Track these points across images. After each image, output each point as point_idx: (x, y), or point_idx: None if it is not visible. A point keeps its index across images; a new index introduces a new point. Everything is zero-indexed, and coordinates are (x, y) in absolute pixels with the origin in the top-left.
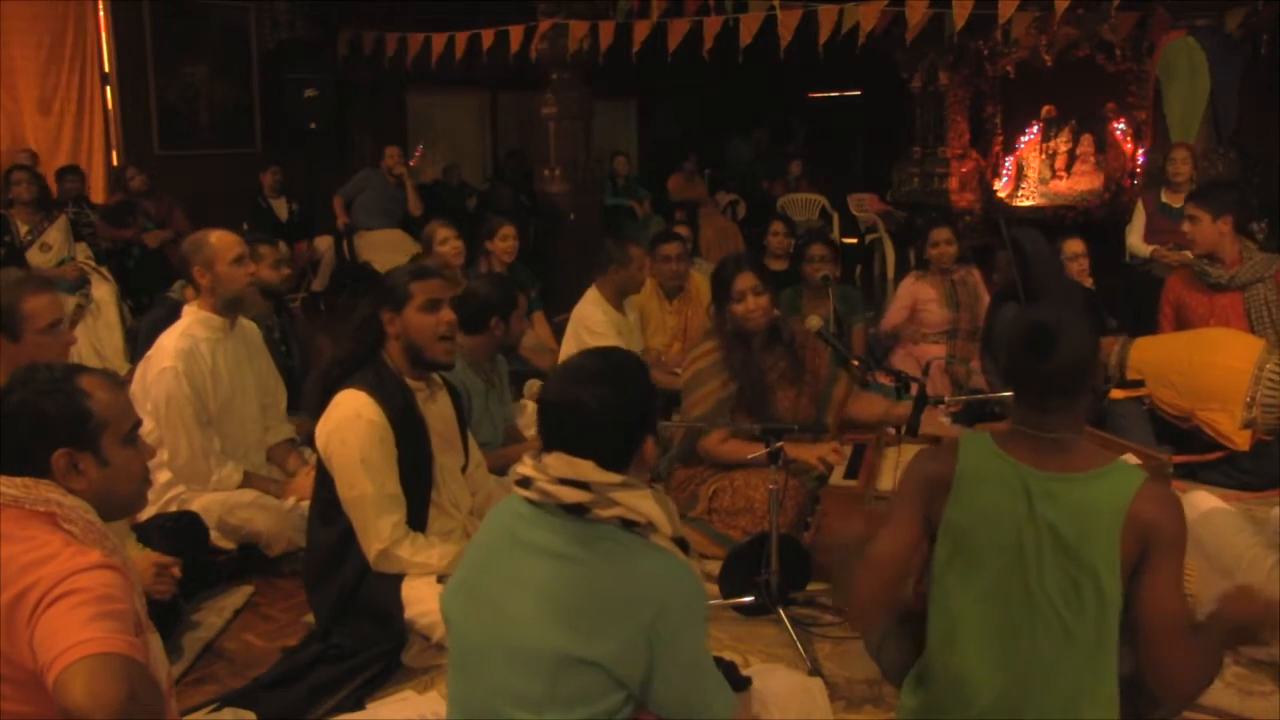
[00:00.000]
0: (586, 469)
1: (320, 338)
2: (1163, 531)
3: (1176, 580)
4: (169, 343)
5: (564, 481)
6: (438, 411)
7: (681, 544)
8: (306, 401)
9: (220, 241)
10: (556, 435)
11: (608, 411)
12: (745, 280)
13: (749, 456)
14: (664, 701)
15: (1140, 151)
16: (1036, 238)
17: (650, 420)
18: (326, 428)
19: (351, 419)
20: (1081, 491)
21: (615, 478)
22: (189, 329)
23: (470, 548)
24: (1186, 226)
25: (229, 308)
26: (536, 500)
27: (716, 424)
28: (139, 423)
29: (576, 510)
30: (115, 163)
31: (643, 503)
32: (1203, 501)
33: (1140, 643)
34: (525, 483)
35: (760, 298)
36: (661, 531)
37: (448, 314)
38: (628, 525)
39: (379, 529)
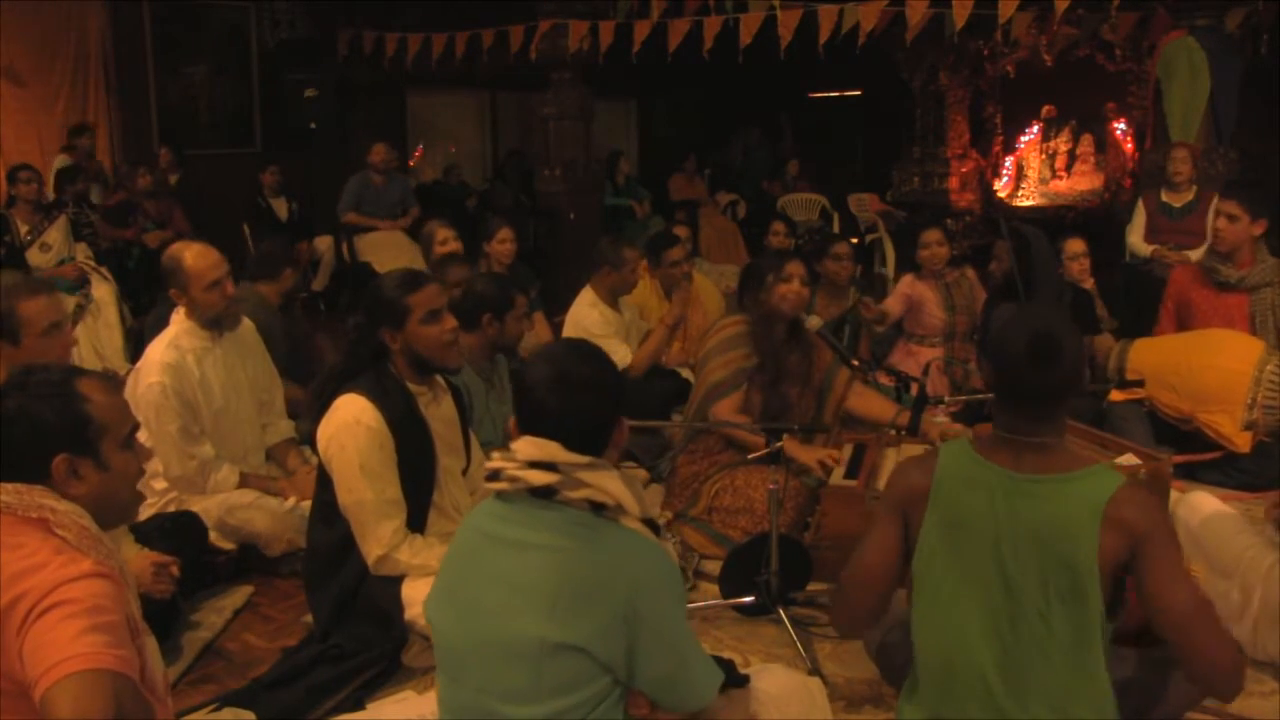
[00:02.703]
0: (554, 449)
1: (321, 337)
2: (1146, 529)
3: (1177, 569)
4: (155, 355)
5: (533, 465)
6: (440, 414)
7: (652, 525)
8: (305, 410)
9: (194, 267)
10: (537, 410)
11: (591, 388)
12: (797, 266)
13: (750, 457)
14: (648, 679)
15: (1137, 152)
16: (1040, 235)
17: (623, 401)
18: (326, 432)
19: (350, 425)
20: (1058, 492)
21: (582, 459)
22: (176, 339)
23: (448, 553)
24: (1222, 223)
25: (211, 325)
26: (507, 491)
27: (717, 425)
28: (137, 426)
29: (545, 493)
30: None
31: (610, 482)
32: (1204, 504)
33: (1172, 640)
34: (495, 475)
35: (805, 288)
36: (631, 513)
37: (450, 321)
38: (597, 509)
39: (379, 534)
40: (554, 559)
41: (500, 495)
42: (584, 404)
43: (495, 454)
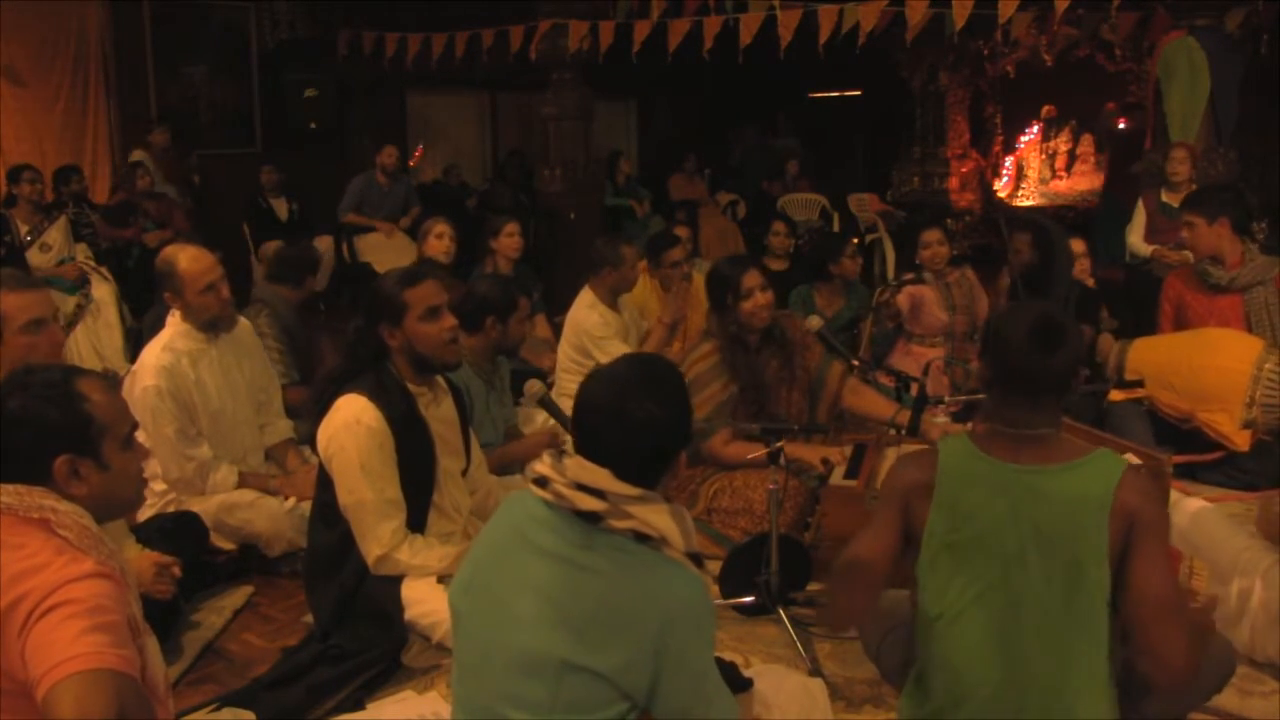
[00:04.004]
0: (604, 478)
1: (321, 337)
2: (1146, 516)
3: (1164, 560)
4: (150, 359)
5: (580, 487)
6: (441, 415)
7: (695, 559)
8: (306, 411)
9: (188, 272)
10: (592, 438)
11: (652, 427)
12: (753, 278)
13: (749, 457)
14: (666, 710)
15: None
16: (1059, 230)
17: (687, 437)
18: (327, 432)
19: (351, 425)
20: (1063, 482)
21: (633, 490)
22: (171, 342)
23: (479, 543)
24: (1185, 233)
25: (207, 328)
26: (551, 501)
27: (718, 425)
28: (136, 425)
29: (590, 518)
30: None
31: (657, 518)
32: (1190, 505)
33: (1133, 627)
34: (542, 482)
35: (767, 293)
36: (675, 547)
37: (449, 319)
38: (640, 538)
39: (379, 534)
40: (590, 581)
41: (545, 501)
42: (643, 444)
43: (546, 457)
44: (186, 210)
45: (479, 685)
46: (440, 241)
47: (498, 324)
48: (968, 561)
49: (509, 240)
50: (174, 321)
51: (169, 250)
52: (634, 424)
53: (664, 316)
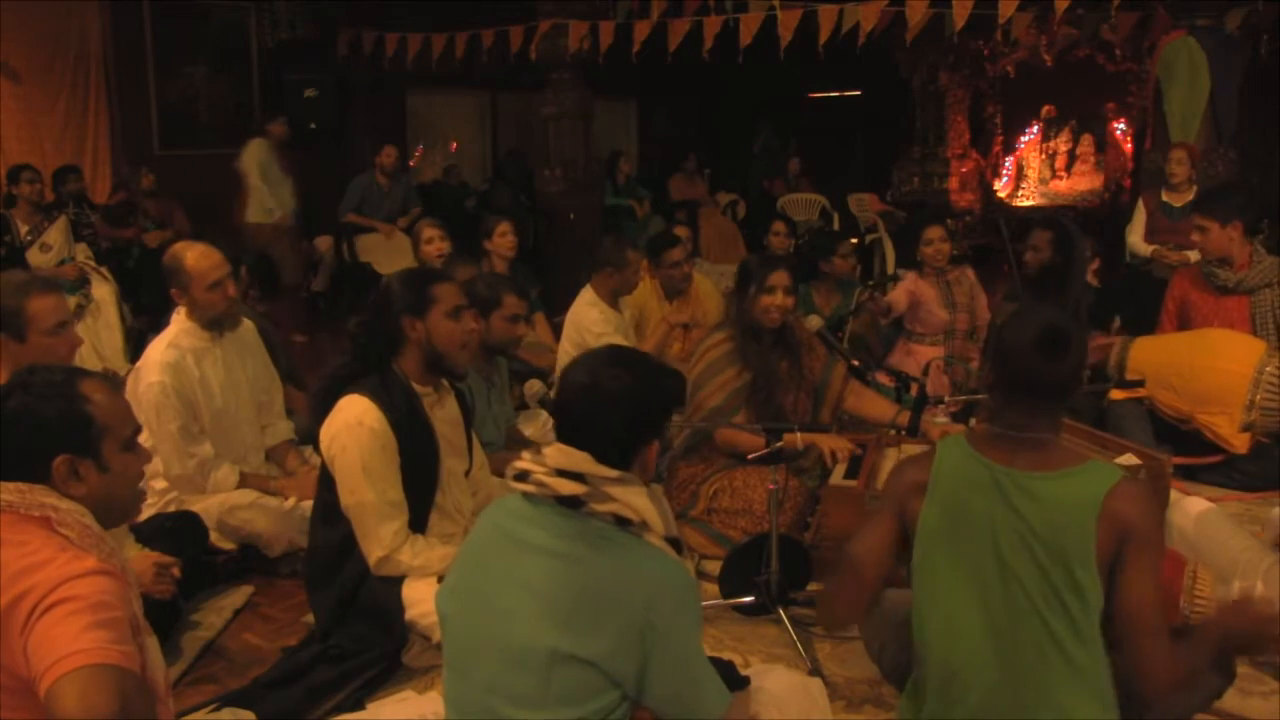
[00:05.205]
0: (584, 460)
1: (322, 338)
2: (1138, 528)
3: (1152, 577)
4: (155, 355)
5: (561, 473)
6: (445, 415)
7: (675, 544)
8: (308, 409)
9: (196, 267)
10: (570, 418)
11: (625, 396)
12: (781, 277)
13: (751, 457)
14: (657, 698)
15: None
16: (1077, 230)
17: (661, 421)
18: (329, 433)
19: (353, 426)
20: (1056, 488)
21: (611, 472)
22: (176, 339)
23: (465, 547)
24: (1196, 237)
25: (212, 325)
26: (533, 493)
27: (717, 424)
28: (139, 428)
29: (572, 503)
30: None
31: (637, 499)
32: (1193, 506)
33: (1120, 639)
34: (523, 476)
35: (789, 297)
36: (655, 530)
37: (470, 322)
38: (622, 523)
39: (380, 536)
40: (574, 569)
41: (526, 496)
42: (617, 416)
43: (525, 454)
44: (288, 209)
45: (470, 684)
46: (430, 246)
47: (478, 318)
48: (963, 564)
49: (502, 240)
50: (179, 319)
51: (177, 247)
52: (608, 394)
53: (670, 317)
